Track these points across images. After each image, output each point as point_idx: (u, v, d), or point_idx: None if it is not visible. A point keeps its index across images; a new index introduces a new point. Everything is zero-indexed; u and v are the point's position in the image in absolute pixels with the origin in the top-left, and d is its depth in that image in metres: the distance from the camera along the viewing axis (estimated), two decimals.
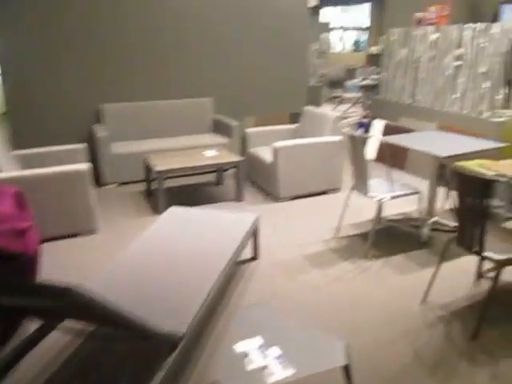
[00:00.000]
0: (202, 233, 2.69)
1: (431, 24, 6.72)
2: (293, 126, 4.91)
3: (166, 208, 3.91)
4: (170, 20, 4.94)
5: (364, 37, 20.50)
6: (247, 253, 3.18)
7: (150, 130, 5.06)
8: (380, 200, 3.05)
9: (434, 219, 3.51)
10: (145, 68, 4.97)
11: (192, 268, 2.25)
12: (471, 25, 4.30)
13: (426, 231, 3.39)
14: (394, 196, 3.08)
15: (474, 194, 2.15)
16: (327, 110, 4.55)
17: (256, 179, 4.61)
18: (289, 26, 5.57)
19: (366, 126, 6.04)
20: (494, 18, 7.06)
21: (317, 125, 4.51)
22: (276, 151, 4.02)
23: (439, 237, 3.43)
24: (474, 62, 4.30)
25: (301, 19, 5.64)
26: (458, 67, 4.50)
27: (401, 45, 5.22)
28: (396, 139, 3.50)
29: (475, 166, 3.79)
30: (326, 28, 22.61)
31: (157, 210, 3.99)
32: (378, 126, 5.48)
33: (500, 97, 4.15)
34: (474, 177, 2.10)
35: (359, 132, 6.79)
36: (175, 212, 3.05)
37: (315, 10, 23.65)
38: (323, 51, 19.10)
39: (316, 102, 7.15)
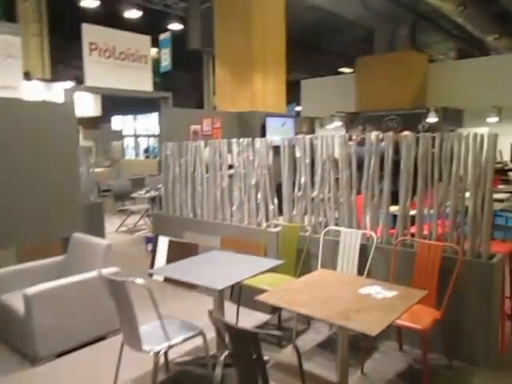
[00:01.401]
0: None
1: (207, 135, 6.97)
2: (60, 258, 4.10)
3: None
4: None
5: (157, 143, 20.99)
6: None
7: None
8: (156, 354, 2.48)
9: (226, 353, 3.07)
10: None
11: None
12: (236, 140, 4.41)
13: (218, 372, 2.92)
14: (173, 345, 2.56)
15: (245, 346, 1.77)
16: (99, 239, 3.93)
17: (7, 337, 3.55)
18: (54, 142, 4.92)
19: (153, 241, 5.58)
20: (263, 128, 7.76)
21: (87, 254, 3.82)
22: (29, 300, 3.15)
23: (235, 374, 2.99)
24: (245, 174, 4.35)
25: (68, 134, 5.07)
26: (232, 180, 4.50)
27: (176, 158, 5.09)
28: (174, 271, 3.08)
29: (264, 285, 3.61)
30: (118, 136, 22.50)
31: None
32: (163, 243, 5.09)
33: (272, 207, 4.22)
34: (244, 331, 1.74)
35: (149, 247, 6.29)
36: None
37: (106, 119, 23.42)
38: (116, 159, 18.72)
39: (98, 220, 6.46)
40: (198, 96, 15.29)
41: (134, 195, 7.94)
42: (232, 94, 7.86)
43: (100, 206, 6.62)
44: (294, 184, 4.03)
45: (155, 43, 12.04)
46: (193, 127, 6.69)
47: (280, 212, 4.25)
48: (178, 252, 5.04)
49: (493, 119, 11.13)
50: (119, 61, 5.79)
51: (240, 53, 7.62)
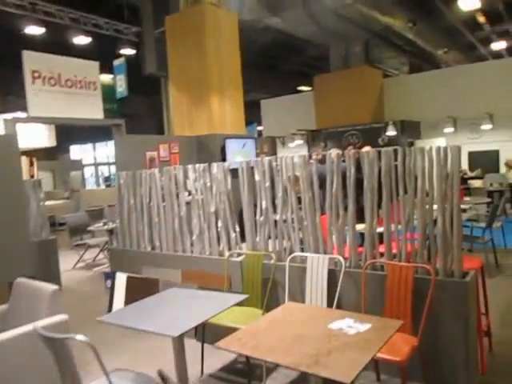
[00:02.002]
0: None
1: (164, 162, 6.69)
2: (2, 308, 3.69)
3: None
4: None
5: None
6: None
7: None
8: None
9: None
10: None
11: None
12: (192, 166, 4.16)
13: None
14: None
15: None
16: (44, 284, 3.55)
17: None
18: None
19: (112, 278, 5.21)
20: (223, 151, 7.55)
21: (31, 302, 3.43)
22: None
23: None
24: (203, 201, 4.10)
25: (10, 168, 4.69)
26: (190, 208, 4.24)
27: (131, 188, 4.78)
28: (128, 316, 2.77)
29: (229, 322, 3.33)
30: (78, 165, 21.72)
31: None
32: (120, 280, 4.74)
33: (234, 235, 3.97)
34: None
35: (109, 283, 5.89)
36: None
37: (64, 148, 22.65)
38: (75, 190, 18.01)
39: (52, 258, 6.03)
40: (158, 121, 15.04)
41: (91, 228, 7.51)
42: (189, 118, 7.65)
43: (53, 243, 6.18)
44: (255, 208, 3.81)
45: (110, 69, 11.74)
46: (149, 154, 6.41)
47: (243, 239, 4.01)
48: (137, 289, 4.70)
49: (449, 129, 11.38)
50: (66, 88, 5.49)
51: (195, 76, 7.45)
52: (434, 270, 2.83)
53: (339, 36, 11.98)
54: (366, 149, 5.04)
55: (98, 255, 7.77)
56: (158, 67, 11.36)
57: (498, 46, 14.37)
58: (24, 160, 17.38)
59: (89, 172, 23.19)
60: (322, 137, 12.31)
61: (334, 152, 3.46)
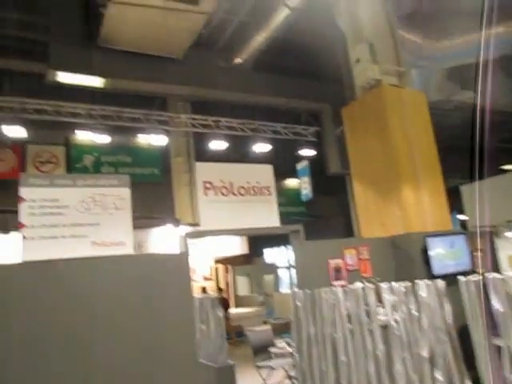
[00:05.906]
0: None
1: (352, 271, 5.57)
2: None
3: None
4: None
5: None
6: None
7: None
8: None
9: None
10: None
11: None
12: (389, 285, 2.95)
13: None
14: None
15: None
16: None
17: None
18: (160, 299, 4.07)
19: None
20: (425, 253, 6.05)
21: None
22: None
23: None
24: (410, 338, 2.78)
25: (181, 288, 4.21)
26: (389, 346, 2.95)
27: (309, 311, 3.76)
28: None
29: None
30: (271, 268, 21.92)
31: None
32: None
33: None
34: None
35: None
36: None
37: (259, 252, 23.42)
38: (269, 294, 17.93)
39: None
40: (346, 222, 14.16)
41: (273, 350, 6.57)
42: (379, 216, 6.50)
43: (230, 370, 5.37)
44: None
45: (290, 173, 11.65)
46: (332, 262, 5.39)
47: None
48: None
49: None
50: (238, 196, 5.06)
51: (380, 166, 6.42)
52: None
53: None
54: None
55: (285, 380, 6.69)
56: (342, 165, 10.92)
57: None
58: (220, 268, 18.24)
59: (283, 275, 23.12)
60: None
61: None
